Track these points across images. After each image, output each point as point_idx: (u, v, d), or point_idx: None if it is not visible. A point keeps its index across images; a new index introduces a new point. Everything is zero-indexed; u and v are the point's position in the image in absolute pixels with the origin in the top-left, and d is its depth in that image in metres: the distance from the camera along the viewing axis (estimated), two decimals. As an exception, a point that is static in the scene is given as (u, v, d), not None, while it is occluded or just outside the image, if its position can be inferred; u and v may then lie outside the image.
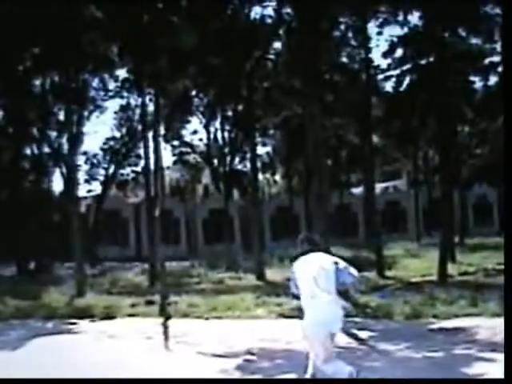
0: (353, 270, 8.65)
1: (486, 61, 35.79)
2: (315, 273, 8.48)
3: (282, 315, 17.26)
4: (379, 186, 62.02)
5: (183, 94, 40.76)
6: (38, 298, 20.63)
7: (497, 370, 10.57)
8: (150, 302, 20.13)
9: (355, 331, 14.78)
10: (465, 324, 15.15)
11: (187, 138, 52.49)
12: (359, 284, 9.59)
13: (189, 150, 53.92)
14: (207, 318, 17.78)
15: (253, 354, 12.89)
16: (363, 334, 14.46)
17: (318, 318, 8.43)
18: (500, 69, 33.76)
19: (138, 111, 42.39)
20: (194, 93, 42.79)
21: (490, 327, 14.60)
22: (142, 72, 30.17)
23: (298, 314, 16.93)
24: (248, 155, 39.75)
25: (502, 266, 29.96)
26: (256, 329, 15.81)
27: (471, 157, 60.12)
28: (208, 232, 54.76)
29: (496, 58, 34.85)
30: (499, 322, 15.30)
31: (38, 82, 40.26)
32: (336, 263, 8.64)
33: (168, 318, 17.19)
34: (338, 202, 53.52)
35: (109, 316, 18.72)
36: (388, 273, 28.91)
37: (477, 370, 10.80)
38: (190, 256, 45.17)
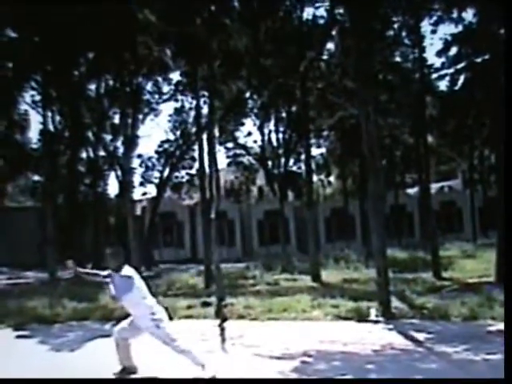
0: None
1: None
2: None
3: (338, 317, 17.22)
4: (434, 186, 61.52)
5: (237, 96, 40.98)
6: (95, 299, 20.79)
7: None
8: (206, 304, 20.18)
9: (412, 333, 14.72)
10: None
11: (241, 140, 52.77)
12: None
13: (243, 151, 54.12)
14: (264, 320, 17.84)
15: (309, 355, 12.88)
16: (420, 336, 14.36)
17: None
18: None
19: (192, 114, 42.74)
20: (247, 95, 42.99)
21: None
22: (195, 74, 30.35)
23: (354, 315, 17.01)
24: (302, 157, 39.69)
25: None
26: (312, 330, 15.79)
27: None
28: (263, 234, 54.89)
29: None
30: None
31: (93, 86, 40.85)
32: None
33: (224, 319, 17.28)
34: (393, 202, 53.20)
35: (166, 318, 18.83)
36: (444, 274, 28.65)
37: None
38: (245, 258, 45.30)
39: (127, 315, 11.32)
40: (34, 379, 11.21)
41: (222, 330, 15.84)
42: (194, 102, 33.81)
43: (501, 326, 15.15)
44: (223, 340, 14.81)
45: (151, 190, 49.57)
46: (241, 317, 18.29)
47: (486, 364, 11.54)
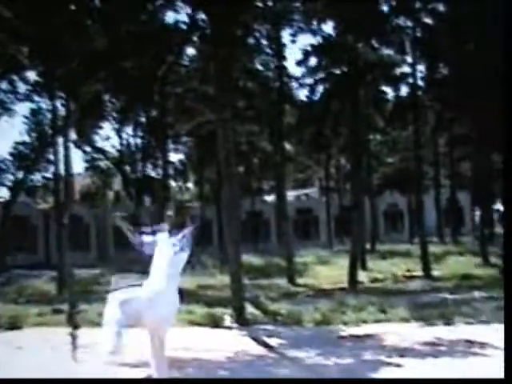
0: None
1: (398, 71, 36.41)
2: None
3: (193, 323, 17.11)
4: (291, 194, 62.49)
5: (95, 99, 40.24)
6: None
7: (404, 375, 10.72)
8: (57, 311, 19.67)
9: (266, 338, 14.77)
10: (374, 330, 15.30)
11: (99, 144, 51.96)
12: None
13: (100, 155, 53.32)
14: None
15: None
16: (274, 342, 14.43)
17: None
18: (411, 80, 34.42)
19: (49, 115, 41.73)
20: (106, 97, 42.33)
21: (398, 333, 14.80)
22: (52, 75, 29.59)
23: (208, 322, 16.94)
24: (160, 162, 39.45)
25: (411, 273, 30.64)
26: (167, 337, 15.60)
27: (382, 165, 61.22)
28: (119, 239, 54.06)
29: (407, 69, 35.53)
30: (407, 328, 15.57)
31: None
32: None
33: (76, 327, 16.84)
34: (250, 209, 53.59)
35: (15, 326, 18.20)
36: (299, 280, 29.04)
37: (384, 375, 10.88)
38: (101, 263, 44.55)
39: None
40: (34, 379, 10.84)
41: (74, 337, 15.41)
42: (51, 104, 33.02)
43: (352, 330, 15.45)
44: (74, 348, 14.40)
45: (4, 194, 48.14)
46: (93, 324, 17.90)
47: (337, 368, 11.68)
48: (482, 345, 12.93)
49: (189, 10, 29.12)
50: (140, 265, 32.49)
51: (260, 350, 13.65)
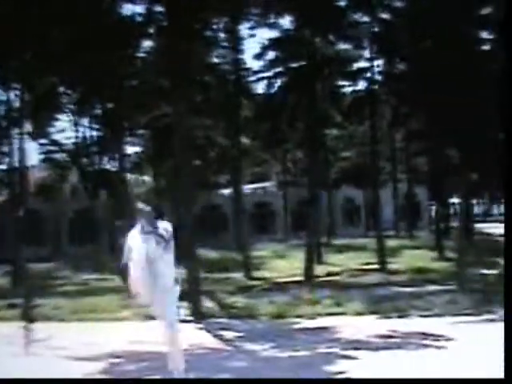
0: None
1: (355, 66, 36.55)
2: None
3: (148, 317, 17.03)
4: (249, 187, 62.49)
5: (50, 90, 39.81)
6: None
7: (358, 368, 10.77)
8: (11, 306, 19.48)
9: (221, 332, 14.76)
10: (329, 323, 15.36)
11: (55, 136, 51.42)
12: None
13: (56, 148, 52.78)
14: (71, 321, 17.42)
15: (117, 356, 12.66)
16: (229, 335, 14.42)
17: None
18: (368, 74, 34.58)
19: (3, 107, 41.17)
20: (61, 89, 41.88)
21: (353, 326, 14.89)
22: (6, 66, 29.23)
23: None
24: (116, 155, 39.19)
25: (367, 266, 30.84)
26: (121, 331, 15.57)
27: (339, 159, 61.49)
28: (74, 232, 53.66)
29: (364, 64, 35.67)
30: (362, 321, 15.67)
31: None
32: None
33: (31, 321, 16.68)
34: (208, 202, 53.50)
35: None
36: (256, 273, 29.06)
37: (339, 367, 10.92)
38: (56, 257, 44.17)
39: None
40: (34, 379, 10.63)
41: (28, 332, 15.26)
42: (5, 95, 32.66)
43: (307, 323, 15.52)
44: (29, 343, 14.27)
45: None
46: (48, 318, 17.79)
47: (292, 361, 11.71)
48: (436, 337, 13.04)
49: (146, 3, 28.95)
50: (93, 260, 32.26)
51: (215, 343, 13.64)
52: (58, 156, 53.94)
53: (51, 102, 42.00)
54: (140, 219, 9.61)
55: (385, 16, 32.41)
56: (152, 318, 16.69)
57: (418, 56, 26.94)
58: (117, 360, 12.41)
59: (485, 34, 26.96)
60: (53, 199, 57.41)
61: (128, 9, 29.99)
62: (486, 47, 26.89)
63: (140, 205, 9.92)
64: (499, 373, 9.42)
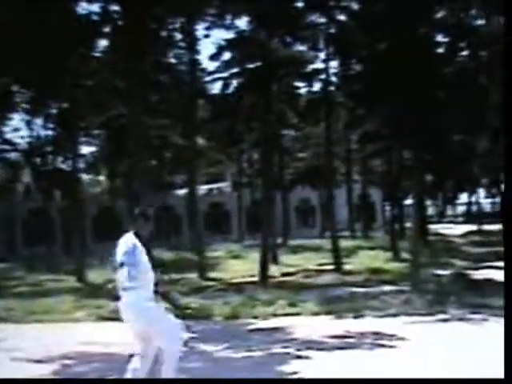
0: None
1: (310, 67, 36.66)
2: None
3: (102, 317, 16.95)
4: (204, 188, 62.48)
5: (3, 90, 39.38)
6: None
7: (312, 368, 10.81)
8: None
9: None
10: (283, 324, 15.39)
11: (8, 135, 50.81)
12: None
13: (9, 147, 52.16)
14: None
15: (70, 358, 12.55)
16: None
17: None
18: (324, 76, 34.68)
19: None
20: (15, 88, 41.42)
21: (308, 326, 14.94)
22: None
23: (117, 316, 16.77)
24: (71, 154, 38.87)
25: (322, 267, 30.98)
26: (74, 332, 15.46)
27: (294, 160, 61.69)
28: (28, 233, 53.15)
29: (319, 65, 35.77)
30: (317, 321, 15.73)
31: None
32: None
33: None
34: (162, 203, 53.31)
35: None
36: (211, 274, 29.04)
37: (294, 368, 10.93)
38: (9, 257, 43.70)
39: None
40: (34, 379, 10.58)
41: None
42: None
43: (262, 324, 15.54)
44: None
45: None
46: (1, 319, 17.60)
47: (247, 361, 11.71)
48: (390, 337, 13.14)
49: (102, 2, 28.78)
50: (47, 261, 32.03)
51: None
52: (11, 155, 53.34)
53: (4, 101, 41.55)
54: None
55: (341, 17, 32.55)
56: (105, 318, 16.72)
57: (374, 57, 27.08)
58: (69, 361, 12.30)
59: (440, 37, 27.18)
60: (6, 199, 56.83)
61: (84, 8, 29.72)
62: (441, 49, 27.10)
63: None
64: (453, 371, 9.56)
